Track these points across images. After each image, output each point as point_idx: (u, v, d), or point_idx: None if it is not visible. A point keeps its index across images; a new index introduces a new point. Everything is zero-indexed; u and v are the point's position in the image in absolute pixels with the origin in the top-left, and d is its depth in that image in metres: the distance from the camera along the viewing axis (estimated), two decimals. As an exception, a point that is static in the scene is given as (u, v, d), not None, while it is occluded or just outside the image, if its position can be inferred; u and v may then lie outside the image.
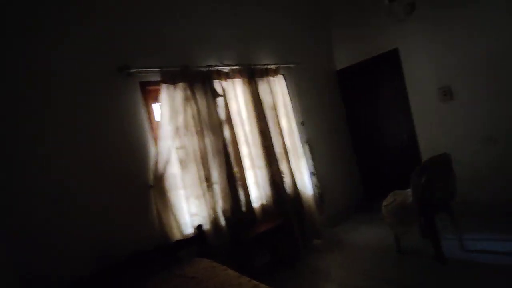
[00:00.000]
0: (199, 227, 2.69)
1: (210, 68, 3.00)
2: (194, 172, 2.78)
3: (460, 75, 3.34)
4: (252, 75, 3.31)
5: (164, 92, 2.65)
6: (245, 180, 3.12)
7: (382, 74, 4.06)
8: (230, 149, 3.06)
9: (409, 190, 2.57)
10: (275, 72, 3.58)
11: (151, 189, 2.59)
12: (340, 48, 4.46)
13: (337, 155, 4.32)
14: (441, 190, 2.47)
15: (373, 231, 3.57)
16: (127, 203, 2.49)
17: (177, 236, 2.62)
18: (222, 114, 3.04)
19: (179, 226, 2.68)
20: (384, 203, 2.78)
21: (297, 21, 4.16)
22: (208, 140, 2.86)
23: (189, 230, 2.74)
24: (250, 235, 2.89)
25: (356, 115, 4.46)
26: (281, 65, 3.69)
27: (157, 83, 2.68)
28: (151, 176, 2.60)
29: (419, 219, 2.57)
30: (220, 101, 3.04)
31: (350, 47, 4.31)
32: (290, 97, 3.77)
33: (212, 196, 2.85)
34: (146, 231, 2.55)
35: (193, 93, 2.81)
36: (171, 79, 2.68)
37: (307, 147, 3.89)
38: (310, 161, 3.89)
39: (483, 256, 2.53)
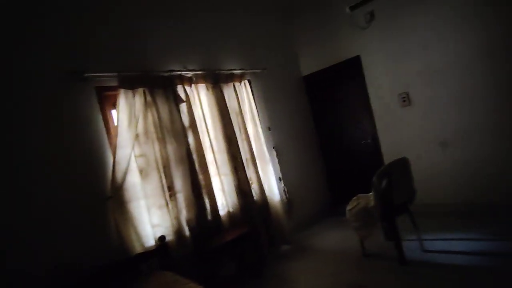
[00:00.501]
0: (161, 238, 2.56)
1: (173, 73, 2.91)
2: (155, 181, 2.66)
3: (417, 82, 3.51)
4: (217, 81, 3.26)
5: (122, 98, 2.52)
6: (211, 187, 3.04)
7: (346, 80, 4.17)
8: (195, 156, 2.97)
9: (371, 193, 2.63)
10: (240, 78, 3.55)
11: (109, 200, 2.44)
12: (306, 55, 4.53)
13: (304, 159, 4.36)
14: (400, 193, 2.55)
15: (340, 235, 3.62)
16: (82, 216, 2.33)
17: (137, 249, 2.48)
18: (185, 121, 2.95)
19: (139, 239, 2.54)
20: (348, 207, 2.83)
21: (262, 27, 4.17)
22: (171, 147, 2.76)
23: (150, 242, 2.62)
24: (215, 244, 2.81)
25: (323, 120, 4.54)
26: (247, 71, 3.68)
27: (115, 88, 2.55)
28: (108, 186, 2.45)
29: (382, 222, 2.63)
30: (183, 107, 2.95)
31: (315, 53, 4.40)
32: (256, 103, 3.76)
33: (176, 206, 2.74)
34: (103, 245, 2.40)
35: (154, 99, 2.71)
36: (129, 84, 2.56)
37: (274, 153, 3.89)
38: (278, 167, 3.90)
39: (441, 256, 2.63)
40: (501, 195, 3.13)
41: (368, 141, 4.07)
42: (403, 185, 2.58)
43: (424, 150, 3.58)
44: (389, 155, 3.84)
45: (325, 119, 4.51)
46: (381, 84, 3.81)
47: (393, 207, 2.56)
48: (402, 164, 2.64)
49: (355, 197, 2.86)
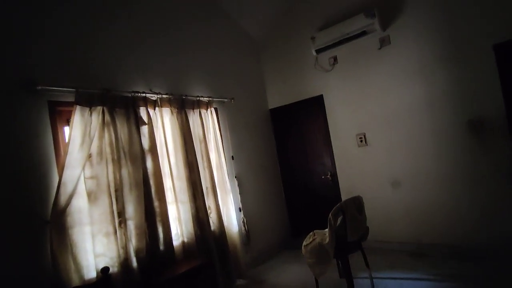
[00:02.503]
0: (104, 270, 2.33)
1: (136, 94, 2.83)
2: (105, 206, 2.47)
3: (374, 124, 3.75)
4: (183, 106, 3.22)
5: (78, 115, 2.37)
6: (166, 215, 2.89)
7: (310, 116, 4.35)
8: (152, 182, 2.84)
9: (327, 230, 2.66)
10: (207, 105, 3.55)
11: (48, 225, 2.20)
12: (273, 88, 4.69)
13: (266, 191, 4.35)
14: (354, 231, 2.61)
15: (297, 270, 3.58)
16: (11, 241, 2.06)
17: (75, 281, 2.23)
18: (145, 144, 2.84)
19: (79, 270, 2.30)
20: (304, 243, 2.82)
21: (232, 59, 4.27)
22: (126, 171, 2.61)
23: (92, 273, 2.38)
24: (166, 277, 2.63)
25: (286, 153, 4.63)
26: (214, 99, 3.70)
27: (71, 104, 2.40)
28: (49, 210, 2.23)
29: (336, 259, 2.65)
30: (144, 129, 2.85)
31: (282, 88, 4.57)
32: (221, 131, 3.76)
33: (125, 234, 2.55)
34: (34, 276, 2.12)
35: (113, 119, 2.59)
36: (87, 102, 2.43)
37: (235, 182, 3.85)
38: (238, 197, 3.84)
39: (390, 295, 2.69)
40: (449, 236, 3.32)
41: (328, 176, 4.20)
42: (357, 223, 2.65)
43: (378, 188, 3.75)
44: (346, 191, 3.98)
45: (288, 152, 4.60)
46: (341, 123, 4.02)
47: (346, 244, 2.60)
48: (357, 202, 2.73)
49: (311, 233, 2.88)
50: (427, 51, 3.33)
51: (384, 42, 3.58)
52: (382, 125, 3.68)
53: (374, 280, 2.85)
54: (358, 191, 3.62)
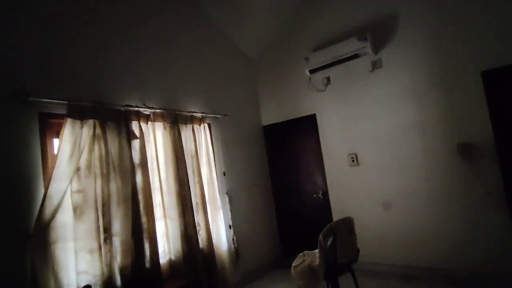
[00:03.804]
0: (86, 288, 2.26)
1: (129, 108, 2.83)
2: (91, 221, 2.41)
3: (365, 145, 3.79)
4: (175, 121, 3.22)
5: (68, 128, 2.35)
6: (153, 231, 2.82)
7: (303, 135, 4.37)
8: (141, 197, 2.79)
9: (317, 251, 2.62)
10: (200, 121, 3.56)
11: (30, 239, 2.14)
12: (266, 106, 4.73)
13: (257, 208, 4.31)
14: (344, 253, 2.57)
15: (285, 290, 3.50)
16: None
17: (54, 300, 2.15)
18: (136, 158, 2.81)
19: (59, 287, 2.21)
20: (294, 263, 2.77)
21: (227, 76, 4.32)
22: (114, 185, 2.57)
23: (72, 292, 2.29)
24: (150, 297, 2.55)
25: (278, 170, 4.62)
26: (208, 114, 3.71)
27: (62, 116, 2.38)
28: (32, 223, 2.17)
29: (326, 282, 2.60)
30: (136, 143, 2.83)
31: (276, 106, 4.61)
32: (214, 147, 3.75)
33: (110, 250, 2.48)
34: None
35: (104, 132, 2.56)
36: (79, 114, 2.42)
37: (226, 199, 3.81)
38: (229, 214, 3.79)
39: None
40: (440, 259, 3.30)
41: (320, 195, 4.18)
42: (347, 245, 2.62)
43: (369, 209, 3.74)
44: (337, 210, 3.96)
45: (280, 169, 4.59)
46: (333, 143, 4.05)
47: (337, 266, 2.56)
48: (347, 224, 2.71)
49: (301, 254, 2.83)
50: (417, 75, 3.42)
51: (376, 65, 3.67)
52: (374, 146, 3.72)
53: (364, 303, 2.80)
54: (349, 211, 3.62)
